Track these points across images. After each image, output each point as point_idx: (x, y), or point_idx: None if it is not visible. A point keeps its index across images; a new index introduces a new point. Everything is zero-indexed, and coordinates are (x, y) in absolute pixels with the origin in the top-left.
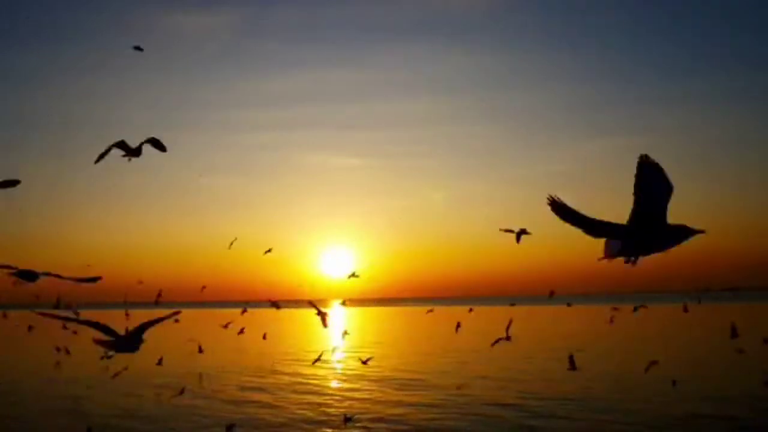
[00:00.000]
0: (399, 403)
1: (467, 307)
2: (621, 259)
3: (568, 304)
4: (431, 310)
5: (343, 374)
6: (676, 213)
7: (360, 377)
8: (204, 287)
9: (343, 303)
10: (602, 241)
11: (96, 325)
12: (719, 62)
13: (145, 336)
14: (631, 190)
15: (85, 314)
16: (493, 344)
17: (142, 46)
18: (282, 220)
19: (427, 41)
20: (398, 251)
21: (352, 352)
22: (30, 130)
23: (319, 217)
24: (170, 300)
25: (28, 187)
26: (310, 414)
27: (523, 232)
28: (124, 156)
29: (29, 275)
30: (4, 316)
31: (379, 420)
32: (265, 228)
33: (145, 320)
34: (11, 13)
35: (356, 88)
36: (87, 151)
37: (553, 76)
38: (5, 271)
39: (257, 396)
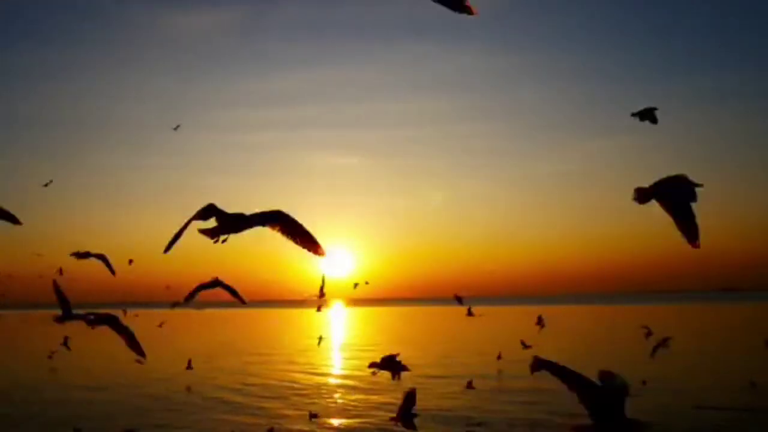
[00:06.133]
0: None
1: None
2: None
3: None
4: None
5: None
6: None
7: None
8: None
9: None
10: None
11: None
12: (722, 61)
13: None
14: (632, 189)
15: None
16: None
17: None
18: None
19: (427, 41)
20: (398, 251)
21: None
22: (27, 129)
23: (319, 217)
24: (166, 300)
25: (25, 186)
26: None
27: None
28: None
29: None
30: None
31: None
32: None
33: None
34: (9, 13)
35: (356, 88)
36: (84, 150)
37: (554, 76)
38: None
39: None
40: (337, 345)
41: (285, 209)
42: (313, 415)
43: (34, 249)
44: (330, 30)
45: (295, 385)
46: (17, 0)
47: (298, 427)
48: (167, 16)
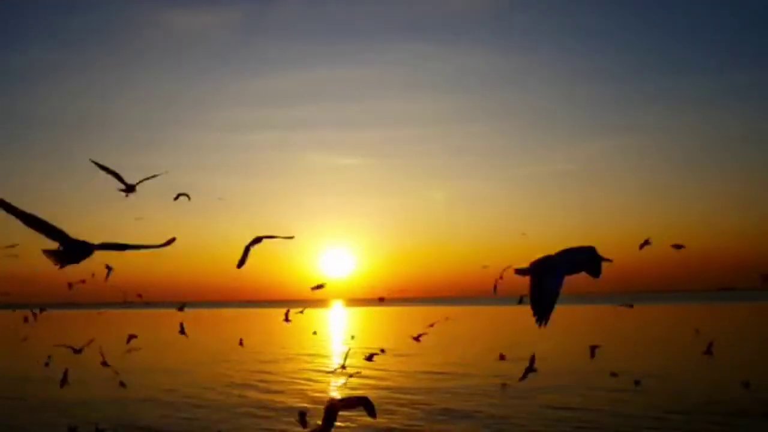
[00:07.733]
0: None
1: (467, 308)
2: None
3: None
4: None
5: None
6: (679, 211)
7: None
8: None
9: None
10: None
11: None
12: (722, 61)
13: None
14: (633, 189)
15: (84, 314)
16: None
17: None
18: (282, 220)
19: (427, 40)
20: (398, 251)
21: None
22: (27, 129)
23: (319, 217)
24: (167, 300)
25: (24, 185)
26: None
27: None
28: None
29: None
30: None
31: None
32: (264, 228)
33: None
34: (10, 13)
35: (356, 88)
36: (84, 149)
37: (555, 76)
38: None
39: None
40: (332, 345)
41: (285, 209)
42: (302, 414)
43: (31, 247)
44: (330, 30)
45: (287, 381)
46: (17, 0)
47: (286, 424)
48: (167, 15)
